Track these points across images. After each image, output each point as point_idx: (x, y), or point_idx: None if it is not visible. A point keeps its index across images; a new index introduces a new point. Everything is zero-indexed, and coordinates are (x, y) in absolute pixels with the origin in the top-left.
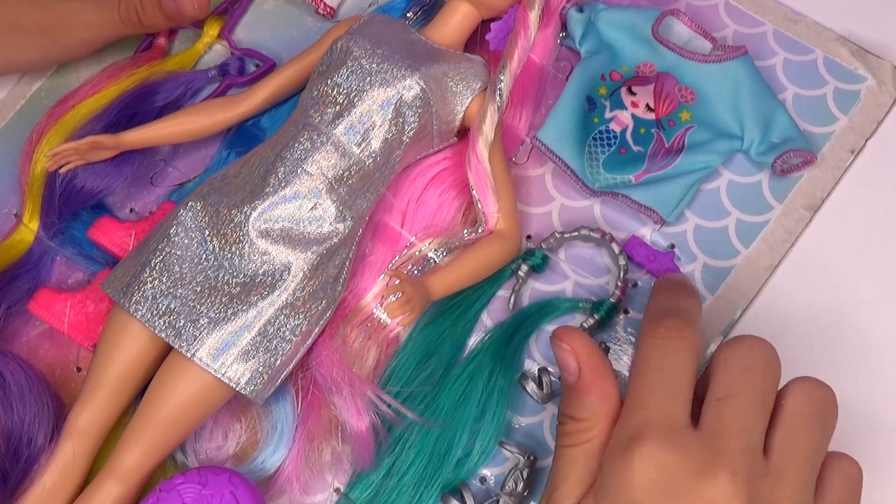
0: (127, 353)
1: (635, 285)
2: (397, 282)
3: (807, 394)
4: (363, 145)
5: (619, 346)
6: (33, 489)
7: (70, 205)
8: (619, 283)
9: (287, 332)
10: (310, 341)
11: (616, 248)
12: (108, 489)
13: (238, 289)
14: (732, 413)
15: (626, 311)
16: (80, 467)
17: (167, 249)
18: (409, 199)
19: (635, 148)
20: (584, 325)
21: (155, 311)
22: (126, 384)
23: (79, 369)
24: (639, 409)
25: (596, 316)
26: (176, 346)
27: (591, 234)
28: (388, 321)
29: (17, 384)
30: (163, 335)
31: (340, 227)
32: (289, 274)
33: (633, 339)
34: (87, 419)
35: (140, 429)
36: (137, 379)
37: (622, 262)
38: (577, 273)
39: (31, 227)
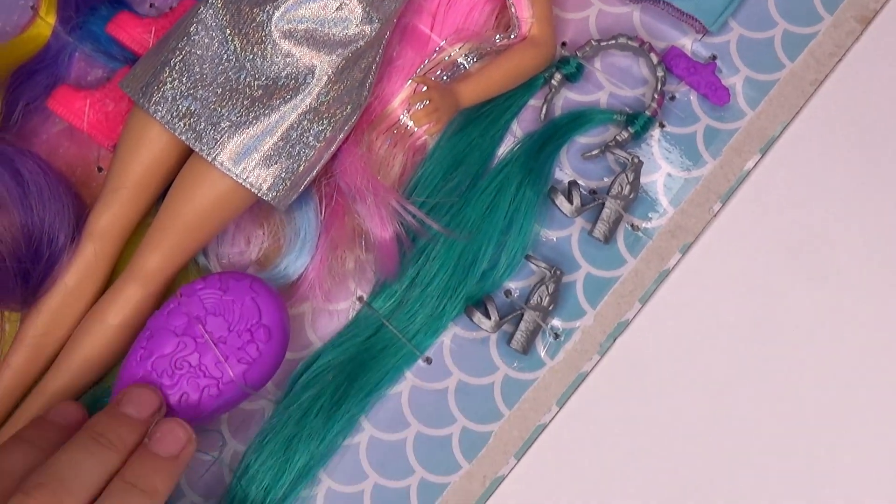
0: (147, 154)
1: (673, 98)
2: (425, 88)
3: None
4: None
5: (653, 160)
6: (55, 289)
7: None
8: (656, 96)
9: (310, 138)
10: (334, 148)
11: (654, 59)
12: (129, 292)
13: (260, 92)
14: None
15: (661, 125)
16: (101, 269)
17: (187, 49)
18: (439, 0)
19: None
20: (618, 137)
21: (175, 113)
22: (146, 186)
23: (100, 169)
24: None
25: (630, 129)
26: (196, 150)
27: (629, 42)
28: (415, 129)
29: (36, 183)
30: (183, 137)
31: (367, 28)
32: (313, 77)
33: (668, 154)
34: (108, 220)
35: (161, 232)
36: (158, 181)
37: (660, 73)
38: (612, 83)
39: (48, 21)
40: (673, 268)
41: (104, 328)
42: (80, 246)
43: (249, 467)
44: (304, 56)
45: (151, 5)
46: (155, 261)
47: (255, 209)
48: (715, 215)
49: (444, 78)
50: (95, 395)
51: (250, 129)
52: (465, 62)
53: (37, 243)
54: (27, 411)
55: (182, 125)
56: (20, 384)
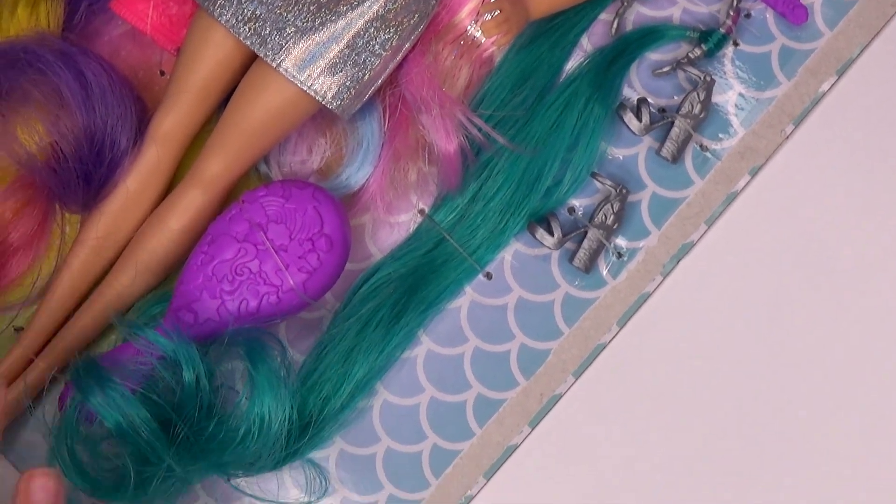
0: (211, 59)
1: (748, 16)
2: None
3: None
4: None
5: (725, 79)
6: (117, 192)
7: None
8: (731, 13)
9: (377, 46)
10: (400, 57)
11: None
12: (191, 196)
13: None
14: None
15: (735, 43)
16: (163, 173)
17: None
18: None
19: None
20: (690, 55)
21: (240, 17)
22: (209, 91)
23: (162, 73)
24: None
25: (703, 46)
26: (261, 55)
27: None
28: (483, 40)
29: (99, 85)
30: (247, 42)
31: None
32: None
33: (741, 73)
34: (171, 125)
35: (223, 138)
36: (221, 86)
37: None
38: None
39: None
40: (741, 190)
41: (165, 232)
42: (143, 150)
43: (308, 377)
44: None
45: None
46: (217, 166)
47: (318, 117)
48: (787, 137)
49: None
50: (156, 297)
51: (316, 35)
52: None
53: (99, 146)
54: (88, 310)
55: (247, 30)
56: (80, 285)
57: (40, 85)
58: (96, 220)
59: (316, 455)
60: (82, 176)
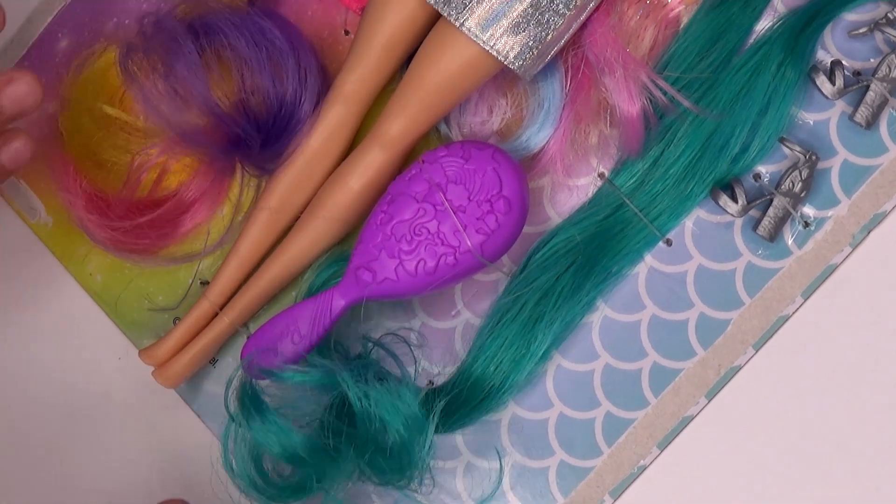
0: (394, 18)
1: None
2: None
3: None
4: None
5: None
6: (301, 149)
7: None
8: None
9: (561, 5)
10: (584, 17)
11: None
12: (373, 155)
13: None
14: None
15: None
16: (345, 132)
17: None
18: None
19: None
20: (890, 15)
21: None
22: (392, 51)
23: (346, 32)
24: None
25: None
26: (444, 14)
27: None
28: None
29: (284, 45)
30: (431, 1)
31: None
32: None
33: None
34: (354, 84)
35: (405, 98)
36: (404, 46)
37: None
38: None
39: None
40: None
41: (346, 191)
42: (327, 108)
43: (485, 349)
44: None
45: None
46: (398, 126)
47: (499, 78)
48: None
49: None
50: (334, 256)
51: None
52: None
53: (280, 111)
54: (270, 267)
55: None
56: (264, 242)
57: (227, 50)
58: (280, 177)
59: (489, 418)
60: (266, 136)
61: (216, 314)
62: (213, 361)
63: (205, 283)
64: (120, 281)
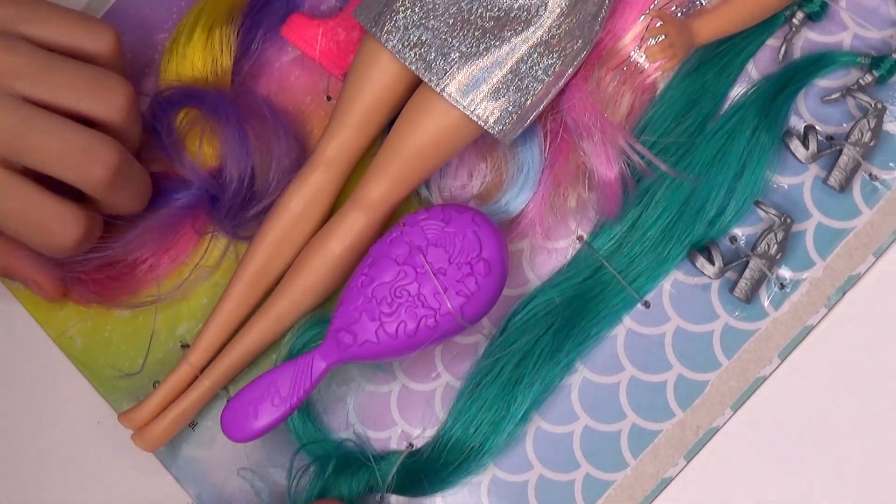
0: (376, 83)
1: None
2: (660, 23)
3: None
4: None
5: None
6: (281, 213)
7: None
8: None
9: (539, 72)
10: (562, 83)
11: None
12: (353, 218)
13: (491, 23)
14: None
15: None
16: (327, 196)
17: None
18: None
19: None
20: (861, 81)
21: (406, 42)
22: (374, 115)
23: (328, 98)
24: None
25: (875, 73)
26: (425, 80)
27: None
28: (647, 65)
29: (263, 127)
30: (413, 67)
31: None
32: (545, 9)
33: None
34: (336, 149)
35: (386, 161)
36: (385, 111)
37: None
38: (857, 24)
39: None
40: None
41: (327, 254)
42: (308, 173)
43: (465, 411)
44: None
45: None
46: (379, 190)
47: (479, 142)
48: None
49: (680, 13)
50: (314, 319)
51: (480, 60)
52: None
53: (254, 184)
54: (251, 331)
55: (412, 55)
56: (245, 304)
57: (209, 119)
58: (260, 242)
59: (469, 480)
60: (238, 206)
61: (196, 377)
62: (193, 425)
63: (185, 346)
64: (99, 344)
